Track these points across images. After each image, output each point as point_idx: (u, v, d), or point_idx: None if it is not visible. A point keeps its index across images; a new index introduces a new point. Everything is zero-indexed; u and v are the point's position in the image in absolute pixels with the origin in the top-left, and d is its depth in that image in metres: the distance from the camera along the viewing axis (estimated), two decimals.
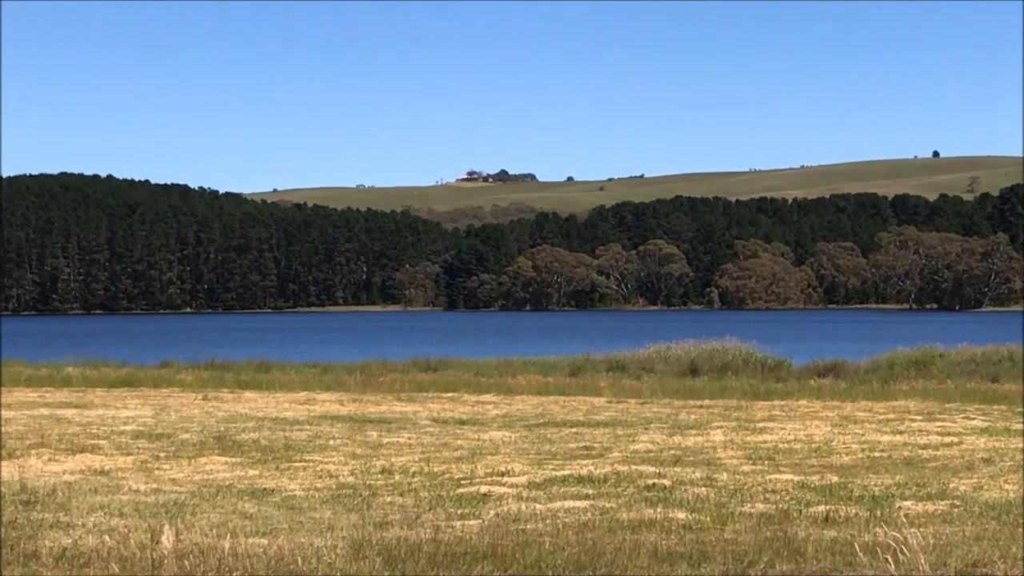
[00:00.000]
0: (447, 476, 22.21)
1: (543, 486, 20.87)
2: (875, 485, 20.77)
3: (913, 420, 33.58)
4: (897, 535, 14.27)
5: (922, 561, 13.54)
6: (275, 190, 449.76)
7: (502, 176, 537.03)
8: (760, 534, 16.02)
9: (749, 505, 18.74)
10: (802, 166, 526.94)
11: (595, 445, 27.58)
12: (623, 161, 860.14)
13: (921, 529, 15.82)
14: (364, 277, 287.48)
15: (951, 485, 20.77)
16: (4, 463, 23.62)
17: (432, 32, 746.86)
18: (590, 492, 20.17)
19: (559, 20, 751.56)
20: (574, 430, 31.27)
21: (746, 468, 23.32)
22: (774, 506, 18.62)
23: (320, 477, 22.26)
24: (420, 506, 18.90)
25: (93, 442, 27.79)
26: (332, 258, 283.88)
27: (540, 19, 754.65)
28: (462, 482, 21.38)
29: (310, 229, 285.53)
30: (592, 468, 22.92)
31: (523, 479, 21.60)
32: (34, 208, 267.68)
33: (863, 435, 29.61)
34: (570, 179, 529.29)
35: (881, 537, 14.90)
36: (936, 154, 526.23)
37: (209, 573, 13.56)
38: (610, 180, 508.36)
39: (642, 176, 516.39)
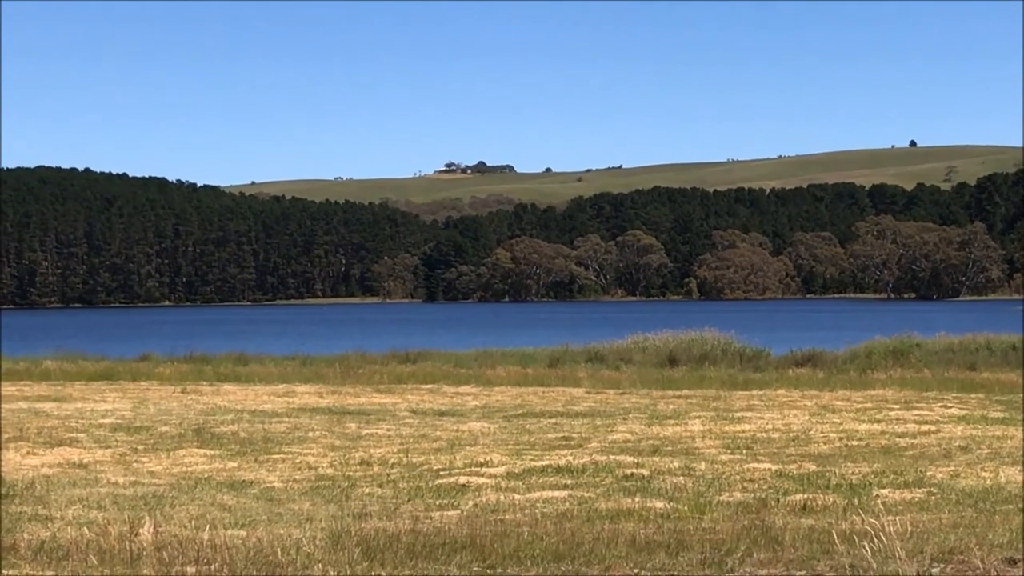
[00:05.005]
0: (426, 467, 22.24)
1: (522, 476, 20.91)
2: (852, 473, 20.86)
3: (891, 409, 33.68)
4: (874, 523, 14.33)
5: (899, 548, 13.59)
6: (253, 183, 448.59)
7: (480, 168, 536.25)
8: (738, 523, 16.07)
9: (727, 494, 18.80)
10: (780, 156, 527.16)
11: (574, 435, 27.62)
12: (601, 152, 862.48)
13: (898, 517, 15.89)
14: (343, 269, 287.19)
15: (928, 473, 20.86)
16: None
17: (410, 26, 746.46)
18: (568, 482, 20.22)
19: (536, 14, 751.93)
20: (553, 421, 31.31)
21: (724, 457, 23.39)
22: (752, 495, 18.68)
23: (299, 469, 22.27)
24: (399, 497, 18.92)
25: (72, 435, 27.75)
26: (311, 250, 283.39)
27: (518, 13, 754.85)
28: (441, 473, 21.41)
29: (288, 222, 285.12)
30: (571, 458, 22.96)
31: (502, 470, 21.64)
32: (11, 202, 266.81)
33: (841, 424, 29.71)
34: (548, 170, 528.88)
35: (858, 525, 14.96)
36: (913, 143, 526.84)
37: (188, 565, 13.56)
38: (588, 171, 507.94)
39: (620, 167, 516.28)
